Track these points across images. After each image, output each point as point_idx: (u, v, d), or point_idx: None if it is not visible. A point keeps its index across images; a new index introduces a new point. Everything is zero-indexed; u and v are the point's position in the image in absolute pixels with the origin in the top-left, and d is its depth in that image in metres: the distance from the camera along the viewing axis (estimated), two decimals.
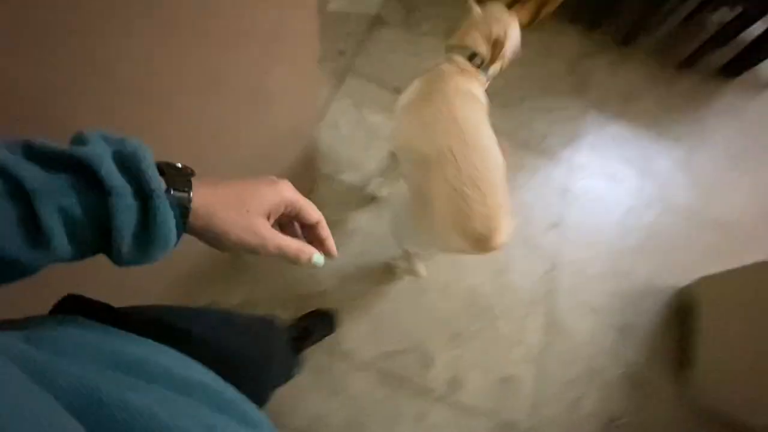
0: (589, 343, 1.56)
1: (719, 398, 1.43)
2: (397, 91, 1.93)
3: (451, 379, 1.41)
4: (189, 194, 0.34)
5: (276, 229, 0.39)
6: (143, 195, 0.31)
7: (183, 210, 0.33)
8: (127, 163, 0.30)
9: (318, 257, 0.42)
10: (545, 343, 1.52)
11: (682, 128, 2.19)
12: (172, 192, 0.33)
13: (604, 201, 1.87)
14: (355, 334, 1.41)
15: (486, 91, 1.10)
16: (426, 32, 2.05)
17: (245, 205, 0.37)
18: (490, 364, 1.45)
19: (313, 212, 0.42)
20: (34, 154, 0.28)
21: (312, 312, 1.40)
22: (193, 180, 0.35)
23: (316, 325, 1.37)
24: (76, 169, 0.29)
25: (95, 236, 0.30)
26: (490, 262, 1.61)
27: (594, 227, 1.79)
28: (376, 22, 2.02)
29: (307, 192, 1.57)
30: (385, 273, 1.51)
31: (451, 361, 1.43)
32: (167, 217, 0.32)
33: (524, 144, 1.91)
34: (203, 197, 0.35)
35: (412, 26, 2.06)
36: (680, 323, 1.65)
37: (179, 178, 0.34)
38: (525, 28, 1.19)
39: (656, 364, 1.57)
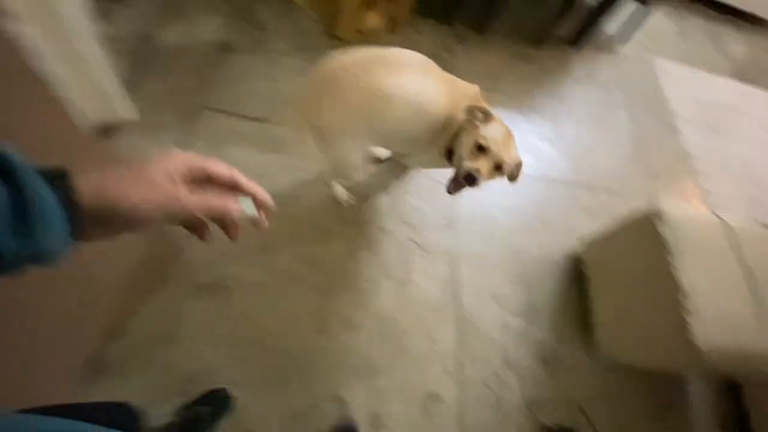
0: (499, 335, 1.57)
1: (621, 352, 1.52)
2: (260, 119, 1.83)
3: (372, 418, 1.32)
4: (64, 170, 0.32)
5: None
6: (7, 176, 0.28)
7: (65, 190, 0.31)
8: None
9: (249, 207, 0.41)
10: (459, 349, 1.50)
11: (547, 102, 2.33)
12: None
13: (488, 189, 1.90)
14: (258, 405, 1.26)
15: None
16: (281, 51, 1.93)
17: (142, 175, 0.34)
18: (409, 387, 1.39)
19: (221, 167, 0.40)
20: None
21: (200, 397, 1.22)
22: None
23: (208, 408, 1.19)
24: None
25: None
26: (391, 277, 1.55)
27: (484, 217, 1.82)
28: (224, 49, 1.84)
29: (171, 258, 1.38)
30: (282, 332, 1.37)
31: (368, 398, 1.34)
32: (42, 191, 0.29)
33: None
34: (87, 178, 0.32)
35: (264, 47, 1.92)
36: (578, 290, 1.75)
37: (54, 168, 0.32)
38: (384, 31, 1.14)
39: (565, 336, 1.63)
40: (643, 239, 1.45)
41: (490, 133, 1.14)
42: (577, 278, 1.77)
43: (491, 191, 1.89)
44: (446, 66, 1.28)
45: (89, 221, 0.32)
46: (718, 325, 1.23)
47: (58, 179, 0.31)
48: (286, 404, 1.27)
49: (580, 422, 1.48)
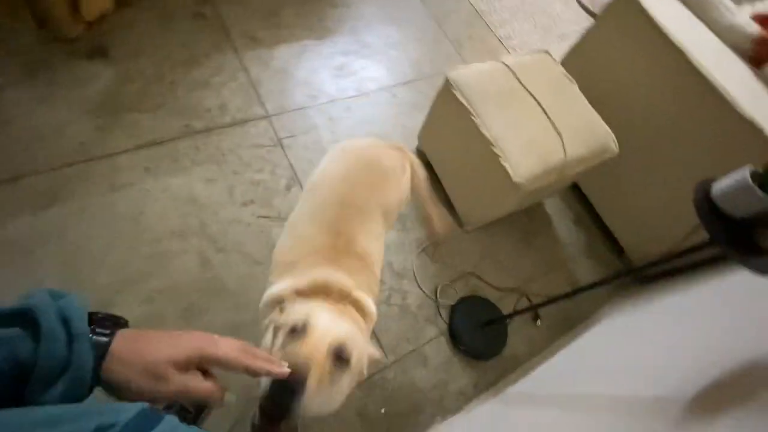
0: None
1: (478, 217, 1.69)
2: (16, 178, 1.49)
3: None
4: (109, 339, 0.39)
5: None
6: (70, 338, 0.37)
7: (101, 352, 0.39)
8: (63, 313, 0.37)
9: (229, 396, 0.46)
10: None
11: (338, 17, 2.24)
12: (93, 336, 0.38)
13: (316, 128, 1.85)
14: None
15: None
16: (58, 82, 1.56)
17: (148, 353, 0.40)
18: None
19: (227, 359, 0.44)
20: None
21: None
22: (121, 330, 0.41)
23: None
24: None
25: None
26: (260, 261, 1.49)
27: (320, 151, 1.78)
28: None
29: None
30: None
31: None
32: (87, 357, 0.37)
33: (216, 125, 1.70)
34: (120, 343, 0.40)
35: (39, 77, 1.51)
36: (433, 181, 1.85)
37: (108, 322, 0.41)
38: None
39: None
40: (449, 110, 1.54)
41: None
42: (429, 172, 1.87)
43: (316, 128, 1.84)
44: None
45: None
46: (527, 156, 1.39)
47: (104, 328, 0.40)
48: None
49: (475, 287, 1.67)
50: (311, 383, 0.56)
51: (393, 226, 1.32)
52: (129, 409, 0.32)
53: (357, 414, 1.34)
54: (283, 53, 2.00)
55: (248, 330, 1.37)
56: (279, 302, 0.78)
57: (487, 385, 1.49)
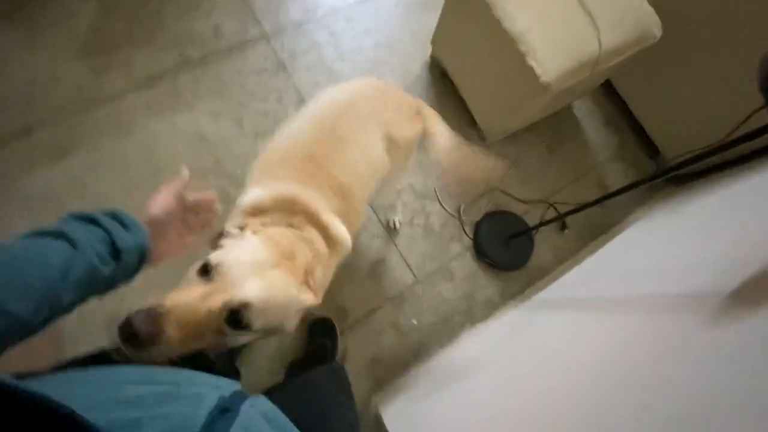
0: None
1: (501, 126, 1.58)
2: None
3: (336, 311, 1.42)
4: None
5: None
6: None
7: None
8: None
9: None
10: (374, 211, 1.54)
11: None
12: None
13: (318, 46, 1.70)
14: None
15: None
16: (39, 23, 1.47)
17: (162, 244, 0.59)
18: (353, 269, 1.46)
19: (165, 203, 0.60)
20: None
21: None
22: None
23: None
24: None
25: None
26: None
27: (326, 77, 1.66)
28: None
29: None
30: None
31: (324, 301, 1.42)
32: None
33: (212, 51, 1.59)
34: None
35: (17, 20, 1.42)
36: (450, 92, 1.71)
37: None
38: None
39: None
40: (466, 5, 1.36)
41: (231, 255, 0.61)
42: (443, 79, 1.72)
43: (319, 46, 1.69)
44: None
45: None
46: (556, 51, 1.24)
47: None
48: (260, 352, 1.33)
49: (500, 202, 1.63)
50: (167, 337, 0.48)
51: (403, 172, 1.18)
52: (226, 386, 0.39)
53: (390, 326, 1.43)
54: None
55: None
56: (220, 235, 0.68)
57: (513, 294, 1.54)
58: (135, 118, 1.47)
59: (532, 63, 1.23)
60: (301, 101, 1.60)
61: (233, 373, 1.17)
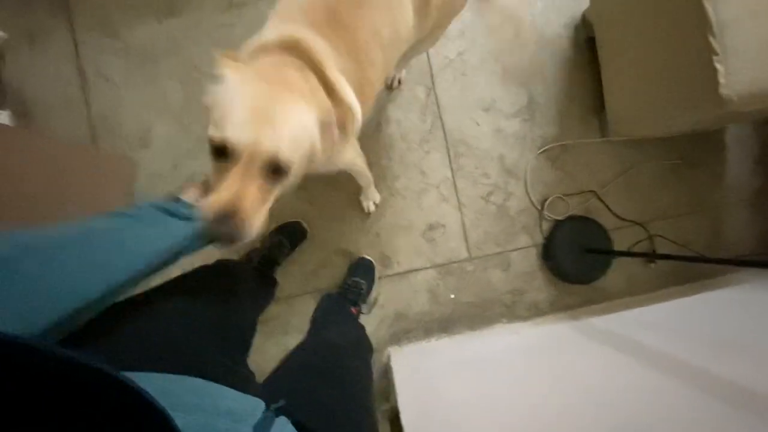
0: (493, 144, 1.42)
1: (636, 125, 1.32)
2: None
3: (381, 258, 1.39)
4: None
5: None
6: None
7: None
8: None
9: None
10: (452, 173, 1.41)
11: None
12: None
13: None
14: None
15: None
16: None
17: None
18: (408, 225, 1.39)
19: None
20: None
21: (279, 226, 1.33)
22: None
23: (286, 236, 1.31)
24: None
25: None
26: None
27: None
28: None
29: (132, 172, 1.32)
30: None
31: (371, 242, 1.39)
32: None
33: None
34: None
35: None
36: (586, 63, 1.44)
37: None
38: None
39: (571, 124, 1.44)
40: None
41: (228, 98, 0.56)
42: (584, 49, 1.44)
43: None
44: None
45: None
46: (760, 63, 0.95)
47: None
48: (297, 266, 1.35)
49: (592, 208, 1.44)
50: (244, 217, 0.53)
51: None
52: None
53: (428, 290, 1.39)
54: None
55: (350, 184, 1.38)
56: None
57: (564, 308, 1.42)
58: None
59: (719, 66, 0.96)
60: None
61: (271, 282, 1.20)
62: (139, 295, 0.52)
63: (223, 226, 0.51)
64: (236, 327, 0.63)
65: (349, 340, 0.84)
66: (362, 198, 1.35)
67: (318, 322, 1.00)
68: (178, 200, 0.59)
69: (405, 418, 0.99)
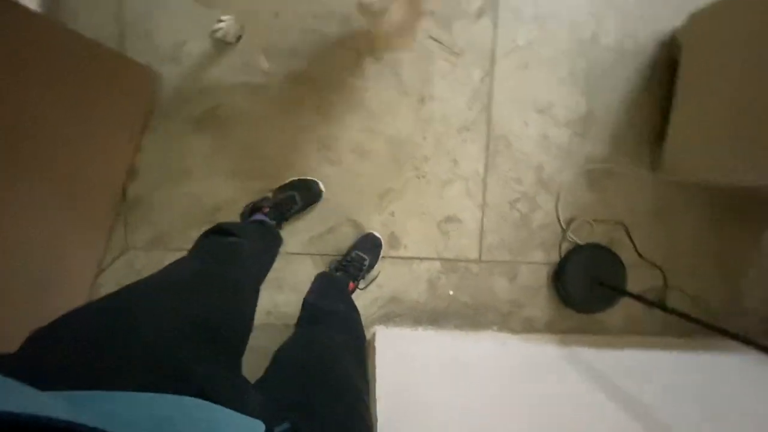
0: (536, 150, 1.33)
1: (698, 167, 1.22)
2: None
3: (389, 237, 1.35)
4: None
5: None
6: None
7: None
8: None
9: None
10: (484, 170, 1.33)
11: None
12: None
13: None
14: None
15: None
16: None
17: None
18: (426, 210, 1.34)
19: None
20: None
21: (295, 181, 1.28)
22: None
23: (298, 193, 1.25)
24: None
25: None
26: (407, 93, 1.29)
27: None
28: None
29: (151, 83, 1.24)
30: (288, 162, 1.29)
31: (384, 220, 1.34)
32: None
33: None
34: None
35: None
36: (659, 86, 1.32)
37: None
38: None
39: (624, 148, 1.34)
40: None
41: None
42: (663, 71, 1.31)
43: None
44: None
45: None
46: None
47: None
48: (304, 227, 1.32)
49: (616, 240, 1.37)
50: None
51: None
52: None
53: (428, 281, 1.36)
54: None
55: (378, 155, 1.31)
56: None
57: (558, 331, 1.40)
58: None
59: None
60: (493, 3, 1.27)
61: (276, 240, 1.16)
62: (112, 295, 0.46)
63: None
64: (232, 321, 0.56)
65: (345, 337, 0.81)
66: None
67: (311, 310, 0.96)
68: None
69: (380, 407, 1.00)
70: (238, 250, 0.81)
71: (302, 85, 1.27)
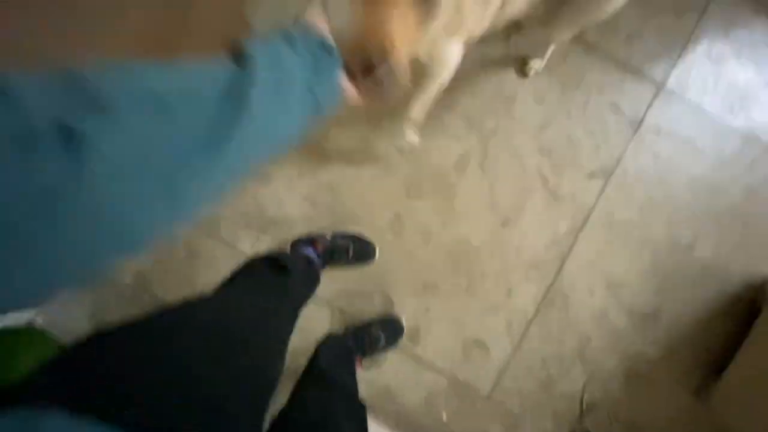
0: (590, 323, 1.29)
1: (735, 415, 1.15)
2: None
3: (412, 330, 1.29)
4: None
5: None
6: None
7: None
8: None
9: None
10: (534, 315, 1.29)
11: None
12: None
13: (689, 143, 1.33)
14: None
15: None
16: None
17: None
18: (460, 323, 1.29)
19: None
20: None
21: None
22: None
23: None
24: None
25: None
26: (495, 210, 1.30)
27: (655, 181, 1.32)
28: None
29: None
30: (357, 215, 1.30)
31: (417, 311, 1.29)
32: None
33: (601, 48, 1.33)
34: None
35: None
36: (733, 327, 1.28)
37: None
38: None
39: (676, 366, 1.28)
40: None
41: None
42: (744, 309, 1.28)
43: (692, 145, 1.32)
44: None
45: None
46: None
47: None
48: (341, 279, 1.29)
49: None
50: (391, 41, 0.40)
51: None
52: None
53: (427, 393, 1.28)
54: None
55: (441, 249, 1.29)
56: None
57: None
58: None
59: None
60: (609, 170, 1.31)
61: (317, 282, 1.12)
62: (142, 328, 0.44)
63: (364, 52, 0.39)
64: (268, 373, 0.54)
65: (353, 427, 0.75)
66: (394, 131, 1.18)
67: (320, 373, 0.90)
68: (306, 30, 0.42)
69: None
70: (288, 296, 0.80)
71: (401, 152, 1.30)
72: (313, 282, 1.10)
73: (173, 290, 1.26)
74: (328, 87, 0.40)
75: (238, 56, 0.34)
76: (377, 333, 1.21)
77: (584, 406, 1.27)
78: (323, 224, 1.29)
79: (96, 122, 0.23)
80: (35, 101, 0.22)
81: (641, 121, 1.32)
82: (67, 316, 1.19)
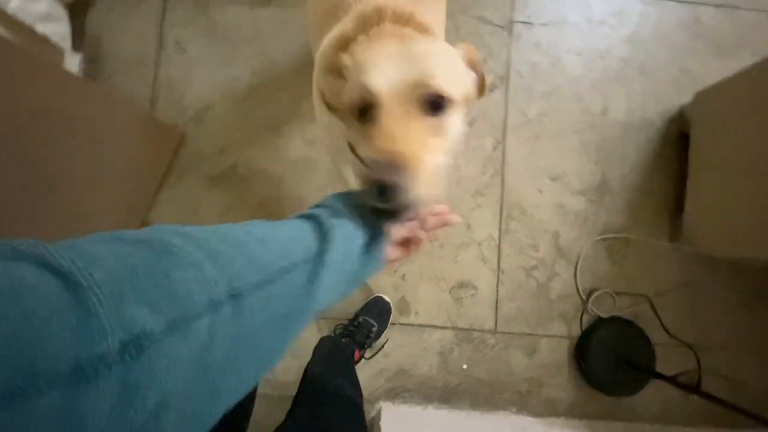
0: (552, 218, 1.31)
1: (718, 241, 1.19)
2: None
3: (400, 303, 1.28)
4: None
5: None
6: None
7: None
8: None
9: None
10: (499, 236, 1.30)
11: None
12: None
13: (563, 24, 1.38)
14: None
15: None
16: None
17: None
18: (439, 276, 1.29)
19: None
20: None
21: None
22: None
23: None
24: None
25: None
26: None
27: (548, 66, 1.36)
28: None
29: (176, 142, 1.28)
30: None
31: (395, 283, 1.29)
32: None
33: None
34: None
35: None
36: (671, 160, 1.33)
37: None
38: None
39: (640, 218, 1.32)
40: None
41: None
42: (675, 144, 1.33)
43: (564, 24, 1.37)
44: None
45: None
46: None
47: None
48: None
49: (641, 315, 1.29)
50: (417, 170, 0.41)
51: None
52: None
53: (439, 353, 1.27)
54: None
55: None
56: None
57: (582, 415, 1.27)
58: None
59: None
60: (503, 75, 1.34)
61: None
62: None
63: (388, 175, 0.39)
64: None
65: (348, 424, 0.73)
66: None
67: (314, 384, 0.87)
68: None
69: None
70: None
71: (314, 145, 1.30)
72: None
73: None
74: (375, 267, 0.43)
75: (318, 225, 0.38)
76: (366, 320, 1.20)
77: (582, 294, 1.29)
78: None
79: (254, 291, 0.28)
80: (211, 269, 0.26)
81: (511, 20, 1.36)
82: None
